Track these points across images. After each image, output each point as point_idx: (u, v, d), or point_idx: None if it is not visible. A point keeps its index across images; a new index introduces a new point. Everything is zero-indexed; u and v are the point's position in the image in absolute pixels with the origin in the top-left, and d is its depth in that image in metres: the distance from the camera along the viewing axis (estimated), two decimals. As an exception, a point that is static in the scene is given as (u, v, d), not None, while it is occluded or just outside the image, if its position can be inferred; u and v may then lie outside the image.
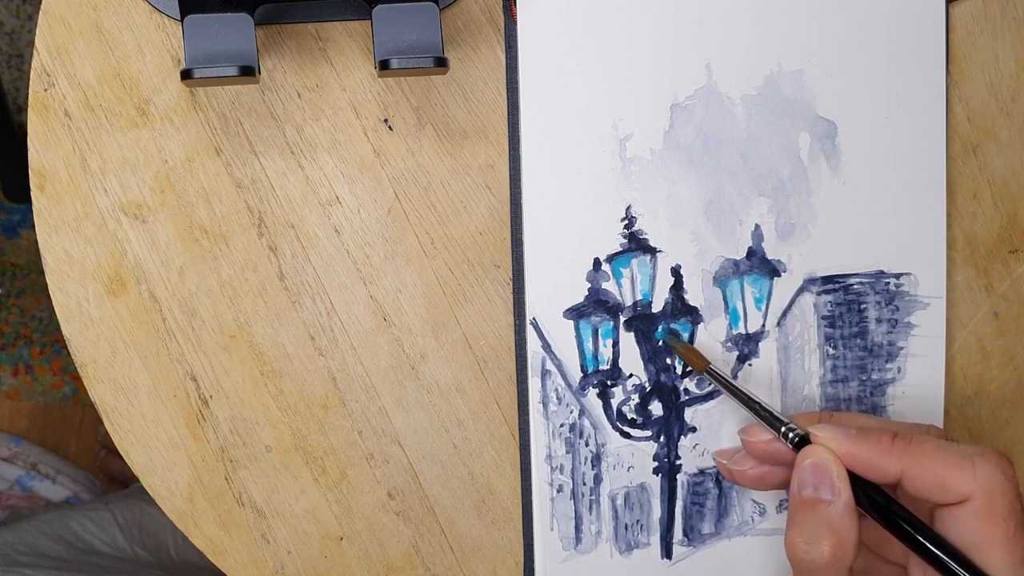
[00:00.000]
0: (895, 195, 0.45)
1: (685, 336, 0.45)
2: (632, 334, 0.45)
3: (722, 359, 0.45)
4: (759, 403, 0.41)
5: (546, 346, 0.45)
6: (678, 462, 0.46)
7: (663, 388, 0.45)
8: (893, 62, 0.44)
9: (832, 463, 0.37)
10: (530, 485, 0.45)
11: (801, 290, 0.45)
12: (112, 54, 0.43)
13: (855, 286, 0.45)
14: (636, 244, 0.44)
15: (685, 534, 0.46)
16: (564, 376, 0.45)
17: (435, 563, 0.46)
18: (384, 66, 0.40)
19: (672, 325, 0.45)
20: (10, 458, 1.06)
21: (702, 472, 0.46)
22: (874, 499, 0.37)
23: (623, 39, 0.43)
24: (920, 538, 0.35)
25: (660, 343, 0.45)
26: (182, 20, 0.40)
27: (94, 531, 0.80)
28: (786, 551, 0.37)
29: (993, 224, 0.47)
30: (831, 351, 0.46)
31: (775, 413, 0.40)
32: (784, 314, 0.45)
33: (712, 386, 0.45)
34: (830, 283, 0.45)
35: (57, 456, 1.10)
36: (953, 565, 0.34)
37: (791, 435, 0.39)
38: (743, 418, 0.45)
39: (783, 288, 0.45)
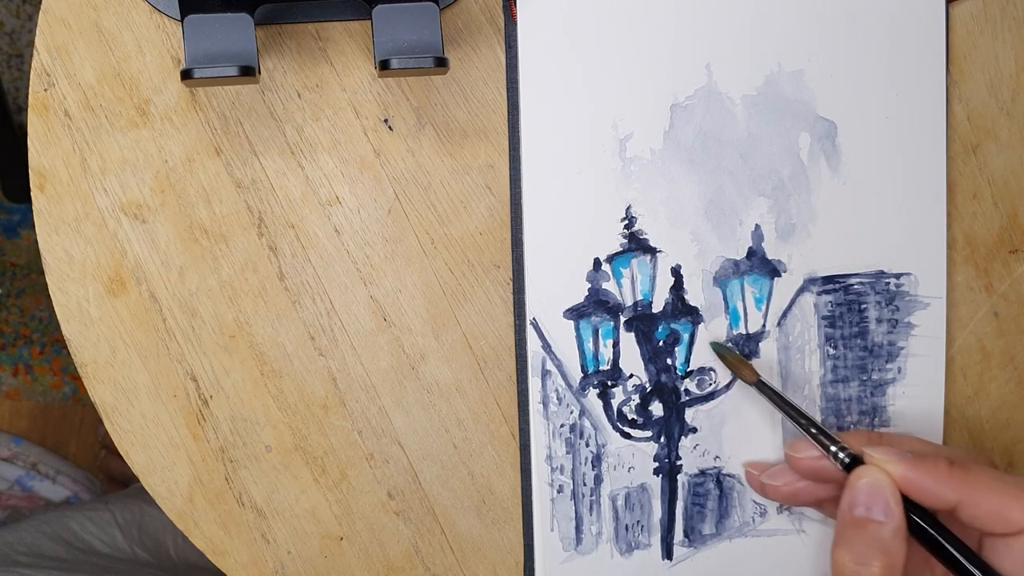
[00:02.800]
0: (895, 195, 0.45)
1: (685, 337, 0.45)
2: (632, 334, 0.45)
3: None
4: (810, 420, 0.41)
5: (546, 346, 0.45)
6: (679, 463, 0.46)
7: (663, 388, 0.45)
8: (893, 62, 0.44)
9: (887, 485, 0.37)
10: (530, 485, 0.45)
11: (801, 290, 0.45)
12: (112, 54, 0.43)
13: (855, 286, 0.45)
14: (636, 244, 0.44)
15: (686, 535, 0.46)
16: (564, 376, 0.45)
17: (435, 563, 0.46)
18: (384, 66, 0.40)
19: (673, 325, 0.45)
20: (10, 458, 1.05)
21: (703, 473, 0.46)
22: (923, 525, 0.37)
23: (623, 39, 0.43)
24: (972, 568, 0.35)
25: (660, 343, 0.45)
26: (182, 20, 0.40)
27: (94, 531, 0.80)
28: (832, 568, 0.37)
29: (993, 224, 0.47)
30: (831, 351, 0.46)
31: (827, 431, 0.40)
32: (784, 314, 0.45)
33: (713, 386, 0.45)
34: (830, 283, 0.45)
35: (57, 456, 1.10)
36: None
37: (842, 455, 0.39)
38: (744, 419, 0.45)
39: (783, 288, 0.45)
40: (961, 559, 0.36)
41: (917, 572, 0.40)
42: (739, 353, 0.45)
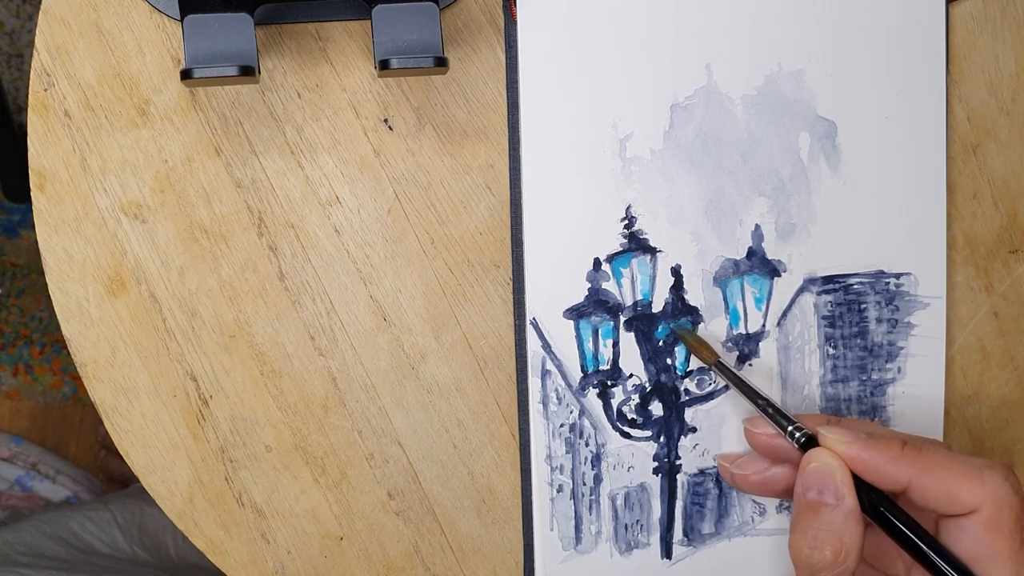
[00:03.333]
0: (895, 195, 0.45)
1: (685, 336, 0.45)
2: (632, 334, 0.45)
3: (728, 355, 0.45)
4: (767, 400, 0.41)
5: (546, 346, 0.45)
6: (678, 462, 0.46)
7: (663, 388, 0.45)
8: (893, 62, 0.44)
9: (836, 468, 0.37)
10: (530, 485, 0.45)
11: (801, 290, 0.45)
12: (112, 54, 0.43)
13: (855, 286, 0.45)
14: (636, 244, 0.44)
15: (685, 534, 0.46)
16: (564, 376, 0.45)
17: (435, 563, 0.46)
18: (384, 66, 0.40)
19: (673, 325, 0.45)
20: (10, 458, 1.05)
21: (702, 472, 0.46)
22: (879, 506, 0.37)
23: (623, 39, 0.43)
24: (924, 547, 0.35)
25: (660, 343, 0.45)
26: (182, 20, 0.40)
27: (94, 531, 0.80)
28: (790, 553, 0.37)
29: (993, 224, 0.47)
30: (831, 351, 0.46)
31: (782, 412, 0.40)
32: (784, 314, 0.45)
33: (712, 386, 0.45)
34: (830, 283, 0.45)
35: (57, 456, 1.10)
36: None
37: (798, 435, 0.39)
38: (745, 416, 0.45)
39: (783, 288, 0.45)
40: (914, 538, 0.36)
41: (880, 559, 0.40)
42: (698, 334, 0.44)
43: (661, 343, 0.45)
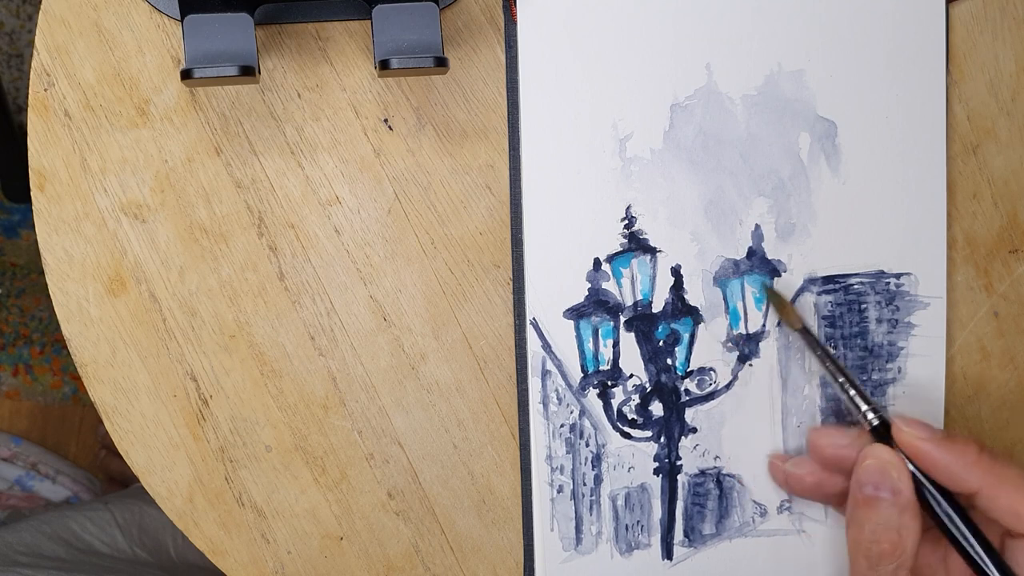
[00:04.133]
0: (895, 195, 0.45)
1: (685, 337, 0.45)
2: (632, 334, 0.45)
3: (722, 360, 0.45)
4: (850, 378, 0.40)
5: (546, 346, 0.45)
6: (679, 463, 0.46)
7: (663, 388, 0.45)
8: (893, 62, 0.44)
9: (895, 463, 0.37)
10: (530, 485, 0.45)
11: (801, 290, 0.45)
12: (112, 54, 0.43)
13: (855, 286, 0.45)
14: (636, 244, 0.44)
15: (686, 535, 0.46)
16: (564, 376, 0.45)
17: (435, 563, 0.46)
18: (384, 66, 0.40)
19: (673, 325, 0.45)
20: (10, 458, 1.05)
21: (703, 473, 0.46)
22: (947, 511, 0.36)
23: (623, 39, 0.43)
24: (985, 560, 0.35)
25: (660, 343, 0.45)
26: (182, 20, 0.40)
27: (94, 531, 0.80)
28: (848, 548, 0.37)
29: (993, 224, 0.47)
30: (831, 351, 0.46)
31: (864, 392, 0.40)
32: (784, 314, 0.45)
33: (713, 386, 0.45)
34: (830, 283, 0.45)
35: (57, 456, 1.10)
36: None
37: (871, 416, 0.39)
38: (743, 419, 0.45)
39: (783, 288, 0.45)
40: (976, 548, 0.35)
41: (929, 571, 0.40)
42: (784, 298, 0.44)
43: (661, 343, 0.45)
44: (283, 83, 0.44)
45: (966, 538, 0.36)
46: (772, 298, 0.44)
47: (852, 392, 0.40)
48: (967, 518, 0.36)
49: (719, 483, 0.46)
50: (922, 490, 0.37)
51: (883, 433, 0.38)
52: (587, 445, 0.45)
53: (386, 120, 0.44)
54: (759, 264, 0.45)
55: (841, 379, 0.40)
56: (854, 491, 0.37)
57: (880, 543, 0.36)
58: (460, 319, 0.45)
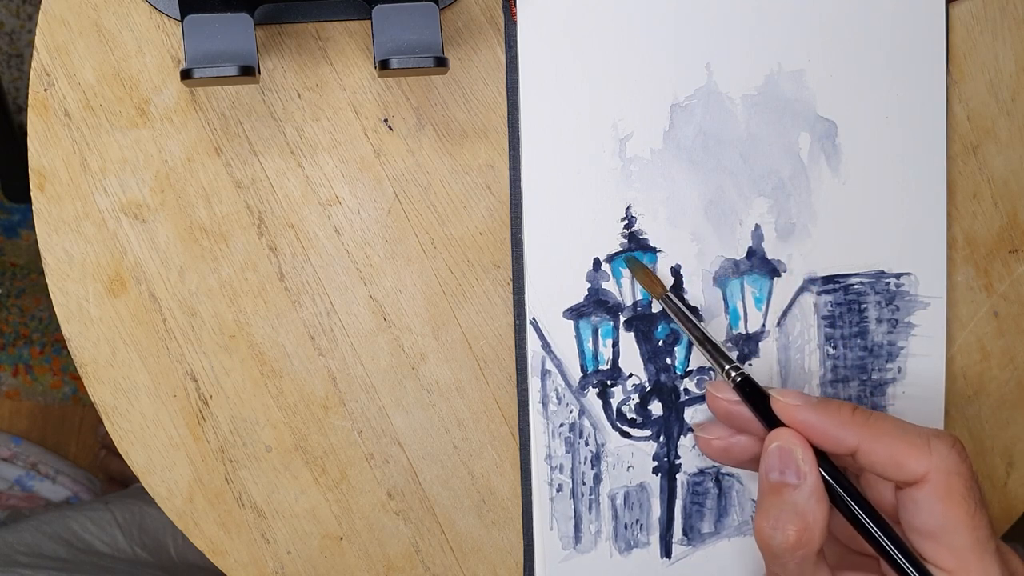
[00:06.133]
0: (895, 195, 0.45)
1: (685, 337, 0.45)
2: (632, 334, 0.45)
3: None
4: (711, 339, 0.41)
5: (546, 346, 0.45)
6: (678, 462, 0.46)
7: (663, 388, 0.45)
8: (893, 62, 0.44)
9: (798, 447, 0.37)
10: (530, 485, 0.45)
11: (801, 290, 0.45)
12: (112, 54, 0.43)
13: (855, 286, 0.45)
14: (636, 244, 0.44)
15: (685, 533, 0.46)
16: (564, 376, 0.45)
17: (435, 563, 0.46)
18: (384, 66, 0.40)
19: (672, 325, 0.45)
20: (10, 458, 1.06)
21: (702, 472, 0.46)
22: (836, 487, 0.37)
23: (623, 39, 0.43)
24: (868, 522, 0.36)
25: (660, 343, 0.45)
26: (182, 20, 0.40)
27: (94, 531, 0.80)
28: (755, 536, 0.37)
29: (993, 224, 0.47)
30: (831, 351, 0.46)
31: (723, 350, 0.40)
32: (784, 314, 0.45)
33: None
34: (830, 283, 0.45)
35: (57, 456, 1.10)
36: (903, 561, 0.35)
37: (734, 374, 0.39)
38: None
39: (783, 288, 0.45)
40: (868, 521, 0.36)
41: (852, 538, 0.40)
42: (648, 267, 0.44)
43: (661, 343, 0.45)
44: (283, 83, 0.44)
45: (858, 512, 0.36)
46: (632, 265, 0.44)
47: (709, 347, 0.41)
48: (854, 489, 0.37)
49: (718, 482, 0.46)
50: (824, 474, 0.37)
51: (746, 389, 0.39)
52: (586, 444, 0.45)
53: (386, 120, 0.44)
54: (759, 264, 0.45)
55: (705, 344, 0.41)
56: (762, 478, 0.37)
57: (786, 529, 0.36)
58: (460, 319, 0.45)
